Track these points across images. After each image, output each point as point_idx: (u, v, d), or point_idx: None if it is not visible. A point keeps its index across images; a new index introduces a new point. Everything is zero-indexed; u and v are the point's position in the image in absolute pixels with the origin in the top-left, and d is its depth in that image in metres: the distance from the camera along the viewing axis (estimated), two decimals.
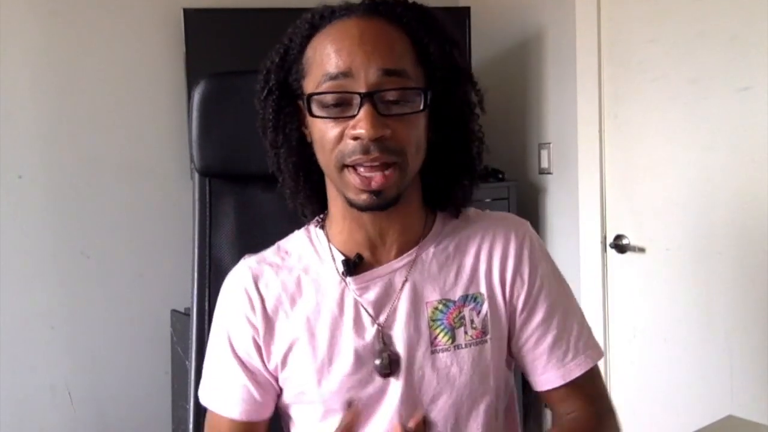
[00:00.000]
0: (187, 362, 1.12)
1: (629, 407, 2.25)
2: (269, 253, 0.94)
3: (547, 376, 0.91)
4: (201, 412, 1.07)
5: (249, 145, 1.04)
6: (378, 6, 0.83)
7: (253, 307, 0.89)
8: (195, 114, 1.11)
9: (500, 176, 2.53)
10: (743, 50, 1.85)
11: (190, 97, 1.13)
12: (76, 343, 2.36)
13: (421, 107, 0.81)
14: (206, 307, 1.11)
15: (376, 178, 0.79)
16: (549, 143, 2.53)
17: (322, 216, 0.94)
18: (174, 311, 2.35)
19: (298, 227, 0.97)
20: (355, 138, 0.78)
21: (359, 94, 0.78)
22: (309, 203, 0.94)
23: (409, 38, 0.83)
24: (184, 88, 2.39)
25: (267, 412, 0.91)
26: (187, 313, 2.20)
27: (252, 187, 1.14)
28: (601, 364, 2.28)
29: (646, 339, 2.18)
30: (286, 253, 0.94)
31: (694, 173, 2.00)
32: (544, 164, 2.56)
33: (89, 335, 2.37)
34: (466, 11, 2.49)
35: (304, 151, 0.88)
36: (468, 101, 0.89)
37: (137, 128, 2.43)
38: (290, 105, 0.87)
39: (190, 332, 1.11)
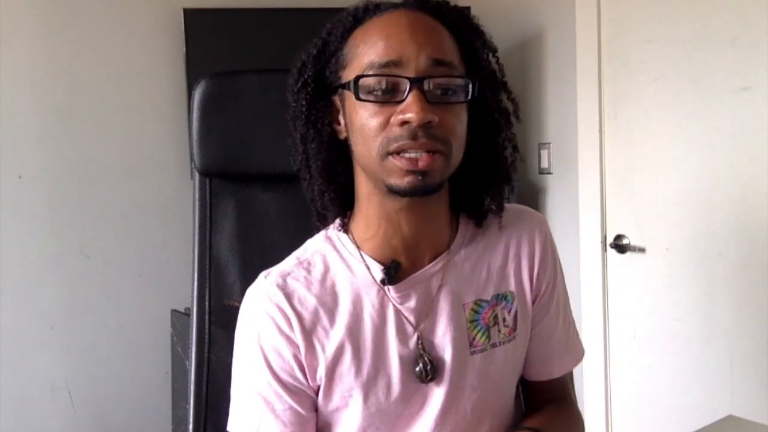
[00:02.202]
0: (187, 362, 1.12)
1: (629, 407, 2.25)
2: (291, 267, 0.89)
3: (544, 369, 0.97)
4: (201, 412, 1.07)
5: (250, 145, 1.04)
6: (425, 4, 0.83)
7: (290, 326, 0.84)
8: (195, 114, 1.11)
9: None
10: (743, 50, 1.85)
11: (191, 96, 1.12)
12: (76, 343, 2.36)
13: (468, 98, 0.81)
14: (206, 308, 1.11)
15: (423, 158, 0.77)
16: (549, 143, 2.53)
17: (344, 221, 0.91)
18: (174, 311, 2.35)
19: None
20: (403, 123, 0.77)
21: (408, 78, 0.77)
22: (333, 205, 0.90)
23: (453, 36, 0.83)
24: (184, 88, 2.39)
25: (311, 429, 0.87)
26: (187, 313, 2.20)
27: (252, 187, 1.14)
28: (600, 364, 2.29)
29: (646, 339, 2.18)
30: (309, 264, 0.89)
31: (694, 173, 2.00)
32: (544, 164, 2.56)
33: (89, 335, 2.37)
34: (466, 11, 2.49)
35: (334, 148, 0.86)
36: (503, 108, 0.90)
37: (137, 128, 2.43)
38: (324, 99, 0.86)
39: (191, 332, 1.11)
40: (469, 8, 2.46)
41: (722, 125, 1.92)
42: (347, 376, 0.84)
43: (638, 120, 2.15)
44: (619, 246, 2.23)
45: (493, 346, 0.88)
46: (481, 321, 0.88)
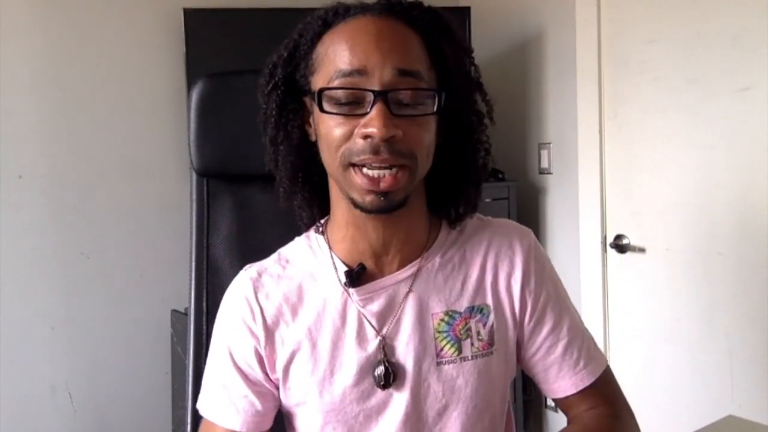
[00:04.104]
0: (186, 362, 1.12)
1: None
2: (270, 263, 0.93)
3: (560, 384, 0.92)
4: (199, 412, 1.07)
5: (247, 146, 1.04)
6: (394, 7, 0.81)
7: (254, 318, 0.88)
8: (193, 114, 1.11)
9: (500, 176, 2.53)
10: (743, 50, 1.85)
11: (189, 97, 1.12)
12: (76, 343, 2.35)
13: (434, 109, 0.80)
14: (204, 308, 1.11)
15: (386, 179, 0.77)
16: (549, 143, 2.53)
17: (322, 222, 0.93)
18: (174, 311, 2.35)
19: (296, 229, 0.96)
20: (366, 137, 0.76)
21: (373, 92, 0.76)
22: (306, 206, 0.92)
23: (423, 41, 0.81)
24: (184, 88, 2.39)
25: (267, 424, 0.90)
26: (187, 314, 2.20)
27: (250, 187, 1.14)
28: None
29: (646, 339, 2.18)
30: (287, 261, 0.92)
31: (694, 173, 2.00)
32: (544, 164, 2.56)
33: (89, 335, 2.37)
34: (466, 11, 2.49)
35: (304, 150, 0.86)
36: (477, 110, 0.88)
37: (137, 128, 2.43)
38: (294, 102, 0.85)
39: (188, 332, 1.11)
40: (468, 9, 2.47)
41: (722, 125, 1.91)
42: (303, 373, 0.86)
43: (638, 120, 2.15)
44: (619, 246, 2.23)
45: (464, 359, 0.86)
46: (452, 332, 0.86)
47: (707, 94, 1.94)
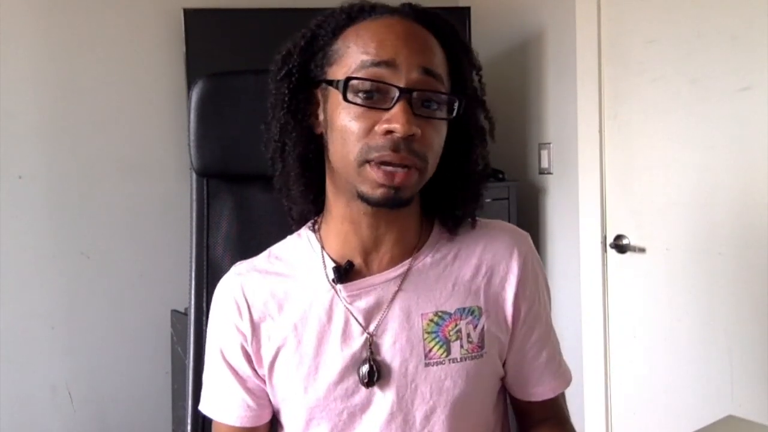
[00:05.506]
0: (186, 362, 1.12)
1: (629, 407, 2.25)
2: (259, 259, 0.94)
3: (540, 389, 0.93)
4: (199, 412, 1.07)
5: (247, 146, 1.04)
6: (419, 13, 0.84)
7: (240, 314, 0.89)
8: (193, 114, 1.11)
9: (500, 176, 2.53)
10: (743, 50, 1.85)
11: (189, 97, 1.12)
12: (76, 343, 2.36)
13: (453, 115, 0.81)
14: (204, 308, 1.11)
15: (400, 174, 0.78)
16: (549, 143, 2.53)
17: (315, 220, 0.93)
18: (174, 311, 2.36)
19: (294, 228, 0.96)
20: (387, 132, 0.77)
21: (398, 88, 0.77)
22: (301, 200, 0.91)
23: (443, 50, 0.83)
24: (184, 88, 2.39)
25: (265, 417, 0.91)
26: (187, 313, 2.20)
27: (250, 187, 1.14)
28: (601, 364, 2.30)
29: (646, 339, 2.18)
30: (277, 258, 0.93)
31: (694, 173, 2.00)
32: (544, 164, 2.56)
33: (89, 335, 2.37)
34: (466, 11, 2.49)
35: (310, 142, 0.87)
36: (480, 126, 0.89)
37: (137, 128, 2.43)
38: (305, 91, 0.86)
39: (188, 332, 1.11)
40: (468, 8, 2.47)
41: (722, 125, 1.91)
42: (289, 369, 0.87)
43: (638, 120, 2.15)
44: (619, 246, 2.23)
45: (453, 360, 0.85)
46: (440, 333, 0.86)
47: (707, 94, 1.94)
